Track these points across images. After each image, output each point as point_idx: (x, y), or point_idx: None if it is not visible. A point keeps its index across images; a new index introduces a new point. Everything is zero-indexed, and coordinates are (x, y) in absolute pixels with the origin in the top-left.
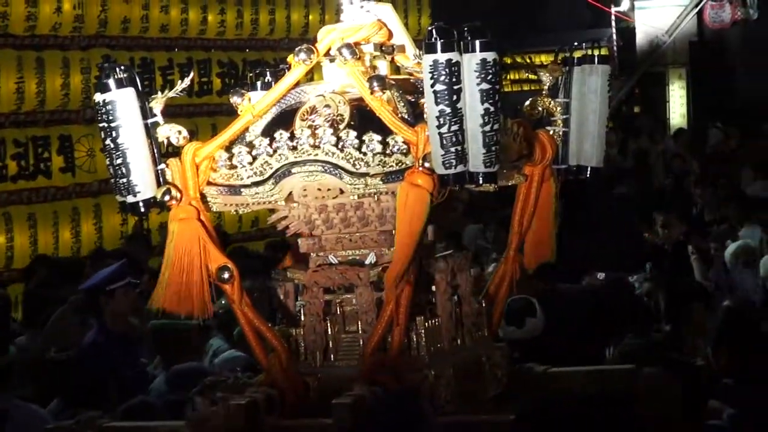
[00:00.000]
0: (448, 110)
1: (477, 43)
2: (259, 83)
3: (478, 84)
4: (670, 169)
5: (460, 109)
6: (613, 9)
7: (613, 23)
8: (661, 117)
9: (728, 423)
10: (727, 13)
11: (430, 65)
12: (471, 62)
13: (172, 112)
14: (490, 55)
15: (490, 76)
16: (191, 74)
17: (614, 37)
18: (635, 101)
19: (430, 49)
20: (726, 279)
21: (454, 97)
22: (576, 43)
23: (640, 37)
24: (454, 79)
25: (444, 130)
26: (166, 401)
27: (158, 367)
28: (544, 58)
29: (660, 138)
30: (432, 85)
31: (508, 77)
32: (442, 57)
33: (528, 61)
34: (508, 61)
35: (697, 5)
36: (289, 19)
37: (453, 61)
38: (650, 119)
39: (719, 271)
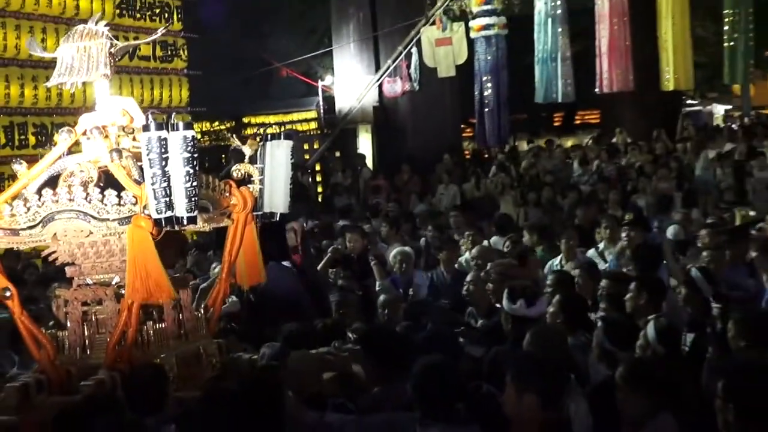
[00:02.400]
0: (159, 172)
1: (180, 124)
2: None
3: (181, 153)
4: (367, 199)
5: (168, 171)
6: (320, 83)
7: (320, 93)
8: (354, 161)
9: None
10: (398, 86)
11: (146, 140)
12: (176, 138)
13: (2, 161)
14: (189, 133)
15: (189, 148)
16: None
17: (320, 103)
18: (336, 148)
19: (146, 128)
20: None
21: (163, 163)
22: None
23: (339, 103)
24: (163, 150)
25: (156, 186)
26: None
27: None
28: (272, 119)
29: (350, 174)
30: (147, 154)
31: (245, 132)
32: (154, 134)
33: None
34: (246, 120)
35: (378, 81)
36: (85, 93)
37: (162, 137)
38: (345, 162)
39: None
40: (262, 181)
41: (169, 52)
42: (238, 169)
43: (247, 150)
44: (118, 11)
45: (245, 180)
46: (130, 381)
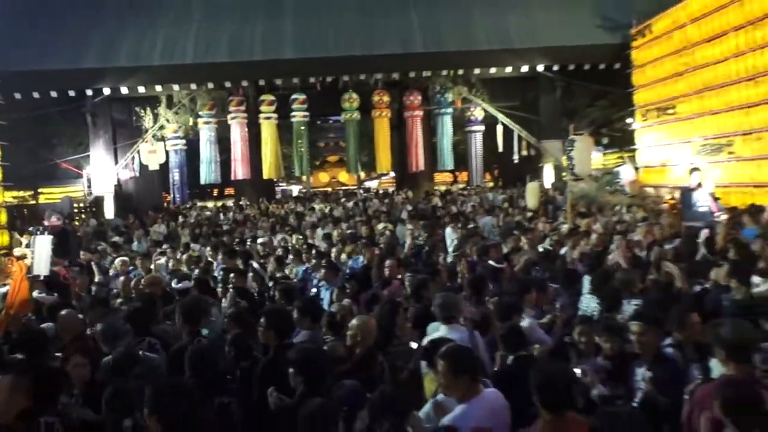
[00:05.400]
0: None
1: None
2: None
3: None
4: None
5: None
6: (84, 171)
7: (85, 177)
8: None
9: None
10: (128, 174)
11: None
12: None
13: None
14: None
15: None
16: None
17: (84, 182)
18: (93, 207)
19: None
20: None
21: None
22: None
23: (94, 183)
24: None
25: None
26: None
27: None
28: (56, 190)
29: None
30: None
31: (38, 198)
32: None
33: None
34: (41, 191)
35: (116, 170)
36: None
37: None
38: (97, 216)
39: None
40: (32, 257)
41: None
42: (18, 250)
43: (24, 240)
44: None
45: (23, 256)
46: None
